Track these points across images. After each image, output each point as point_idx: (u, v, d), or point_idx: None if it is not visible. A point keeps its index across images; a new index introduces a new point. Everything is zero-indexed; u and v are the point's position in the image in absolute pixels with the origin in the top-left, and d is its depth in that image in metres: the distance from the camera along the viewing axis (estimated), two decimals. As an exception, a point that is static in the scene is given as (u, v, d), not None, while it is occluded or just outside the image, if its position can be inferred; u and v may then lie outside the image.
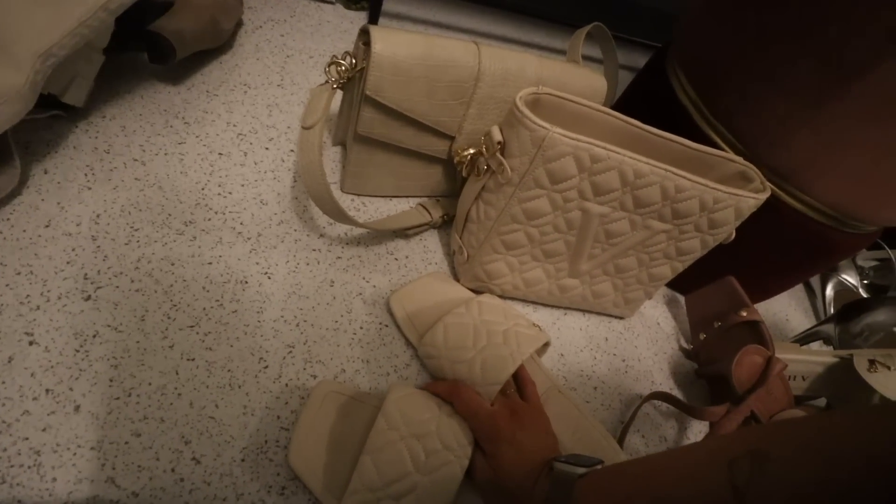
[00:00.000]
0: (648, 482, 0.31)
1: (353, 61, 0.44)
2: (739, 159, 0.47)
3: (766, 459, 0.24)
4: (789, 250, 0.58)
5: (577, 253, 0.48)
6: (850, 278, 0.81)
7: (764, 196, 0.45)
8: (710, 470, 0.27)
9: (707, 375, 0.57)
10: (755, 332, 0.53)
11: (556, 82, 0.49)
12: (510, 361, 0.41)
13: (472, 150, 0.45)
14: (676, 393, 0.57)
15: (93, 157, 0.46)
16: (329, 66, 0.44)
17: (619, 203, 0.44)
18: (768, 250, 0.57)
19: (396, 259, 0.52)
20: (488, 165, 0.43)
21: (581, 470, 0.34)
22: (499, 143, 0.41)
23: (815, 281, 0.83)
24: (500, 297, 0.51)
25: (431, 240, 0.55)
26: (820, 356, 0.56)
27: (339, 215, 0.46)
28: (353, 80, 0.46)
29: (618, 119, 0.44)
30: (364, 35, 0.44)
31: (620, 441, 0.48)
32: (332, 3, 0.71)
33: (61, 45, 0.39)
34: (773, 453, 0.24)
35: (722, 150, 0.50)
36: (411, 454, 0.37)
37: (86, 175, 0.45)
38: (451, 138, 0.50)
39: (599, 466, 0.35)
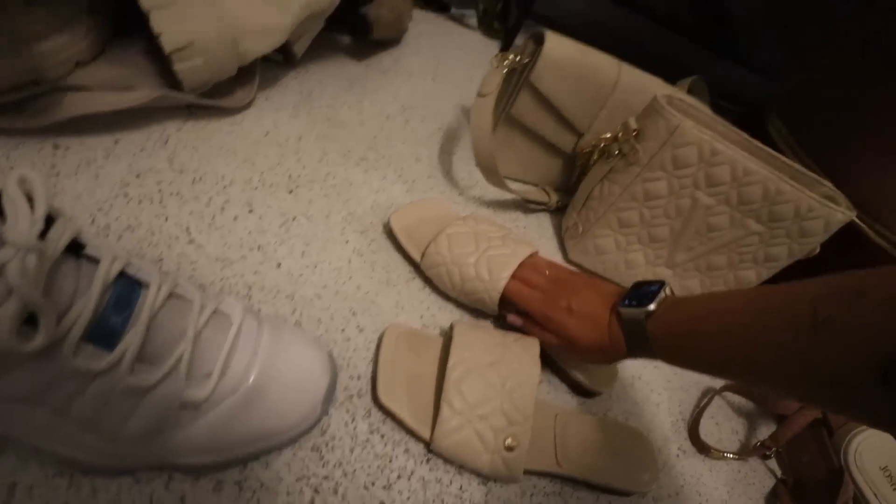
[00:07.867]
0: (718, 314, 0.31)
1: (519, 57, 0.56)
2: (829, 184, 0.55)
3: (861, 297, 0.24)
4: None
5: (677, 241, 0.56)
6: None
7: (851, 214, 0.52)
8: (788, 304, 0.27)
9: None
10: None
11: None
12: (512, 258, 0.46)
13: (608, 135, 0.54)
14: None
15: (298, 97, 0.58)
16: (500, 57, 0.55)
17: (725, 197, 0.51)
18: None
19: (516, 226, 0.60)
20: (620, 150, 0.52)
21: (650, 307, 0.36)
22: (634, 130, 0.51)
23: None
24: (601, 277, 0.59)
25: (544, 218, 0.64)
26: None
27: (492, 171, 0.55)
28: (514, 71, 0.57)
29: (732, 131, 0.53)
30: (538, 37, 0.55)
31: (696, 423, 0.53)
32: (474, 29, 0.85)
33: (317, 3, 0.52)
34: (868, 294, 0.24)
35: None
36: (489, 380, 0.39)
37: (293, 108, 0.56)
38: (579, 136, 0.60)
39: (663, 291, 0.37)
